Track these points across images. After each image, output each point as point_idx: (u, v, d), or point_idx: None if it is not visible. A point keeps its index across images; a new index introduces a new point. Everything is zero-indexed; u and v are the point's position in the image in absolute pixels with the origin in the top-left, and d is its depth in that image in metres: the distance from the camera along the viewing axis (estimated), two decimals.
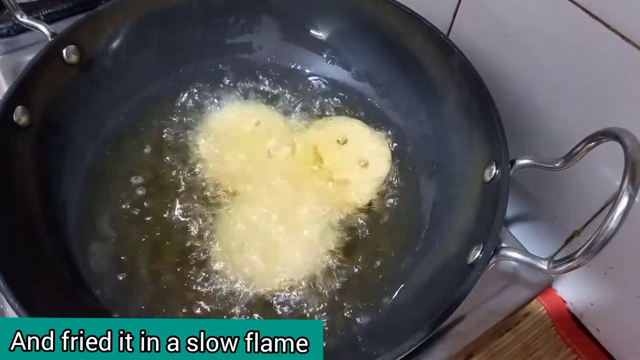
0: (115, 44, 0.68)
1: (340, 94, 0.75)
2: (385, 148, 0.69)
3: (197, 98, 0.73)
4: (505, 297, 0.62)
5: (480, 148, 0.59)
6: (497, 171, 0.55)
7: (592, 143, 0.47)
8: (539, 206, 0.70)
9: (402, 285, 0.60)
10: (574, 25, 0.54)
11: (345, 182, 0.66)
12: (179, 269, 0.60)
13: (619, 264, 0.61)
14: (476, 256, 0.50)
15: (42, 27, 0.63)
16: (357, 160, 0.68)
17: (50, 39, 0.62)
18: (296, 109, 0.73)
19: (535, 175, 0.63)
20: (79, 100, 0.66)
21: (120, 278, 0.59)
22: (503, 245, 0.49)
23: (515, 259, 0.48)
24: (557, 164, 0.52)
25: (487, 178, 0.56)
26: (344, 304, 0.58)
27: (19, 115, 0.58)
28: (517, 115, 0.66)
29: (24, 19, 0.63)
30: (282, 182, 0.66)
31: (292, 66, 0.77)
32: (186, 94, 0.73)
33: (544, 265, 0.46)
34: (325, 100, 0.74)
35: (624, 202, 0.40)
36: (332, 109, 0.73)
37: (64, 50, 0.63)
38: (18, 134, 0.58)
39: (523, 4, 0.60)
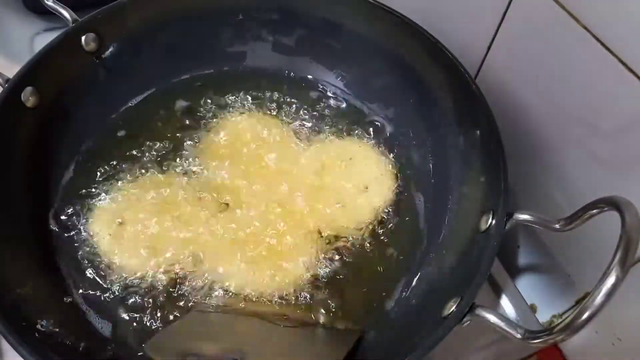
0: (134, 37, 0.69)
1: (350, 114, 0.73)
2: (388, 177, 0.67)
3: (207, 101, 0.72)
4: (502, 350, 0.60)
5: (480, 194, 0.56)
6: (493, 221, 0.52)
7: (594, 210, 0.44)
8: (553, 260, 0.67)
9: (376, 328, 0.57)
10: (612, 81, 0.51)
11: (342, 204, 0.64)
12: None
13: (629, 336, 0.58)
14: (451, 310, 0.48)
15: (65, 12, 0.64)
16: (357, 183, 0.66)
17: (71, 25, 0.63)
18: (304, 122, 0.72)
19: None
20: (91, 88, 0.67)
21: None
22: (479, 304, 0.46)
23: (489, 322, 0.45)
24: (556, 225, 0.49)
25: (483, 227, 0.54)
26: None
27: (28, 96, 0.59)
28: (529, 165, 0.63)
29: (49, 2, 0.65)
30: (278, 195, 0.65)
31: (304, 79, 0.76)
32: (197, 97, 0.73)
33: (517, 335, 0.43)
34: (334, 117, 0.72)
35: (610, 280, 0.38)
36: (340, 127, 0.71)
37: (83, 37, 0.64)
38: (23, 114, 0.59)
39: (561, 46, 0.56)
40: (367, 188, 0.65)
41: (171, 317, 0.56)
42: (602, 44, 0.50)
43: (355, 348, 0.54)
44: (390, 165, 0.68)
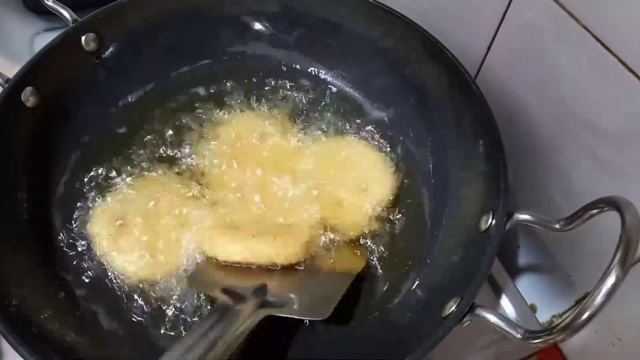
0: (134, 37, 0.69)
1: (350, 114, 0.73)
2: (388, 177, 0.67)
3: (208, 101, 0.72)
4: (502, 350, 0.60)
5: (480, 194, 0.56)
6: (493, 221, 0.52)
7: (594, 210, 0.44)
8: (553, 260, 0.67)
9: (376, 328, 0.57)
10: (612, 81, 0.51)
11: (339, 205, 0.64)
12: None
13: (629, 336, 0.58)
14: (451, 310, 0.48)
15: (65, 12, 0.64)
16: (356, 183, 0.65)
17: (71, 25, 0.64)
18: (304, 122, 0.71)
19: None
20: (91, 88, 0.67)
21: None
22: (479, 304, 0.46)
23: (489, 322, 0.45)
24: (556, 225, 0.49)
25: (483, 227, 0.53)
26: None
27: (28, 96, 0.59)
28: (529, 165, 0.63)
29: (49, 2, 0.65)
30: (277, 194, 0.65)
31: (304, 78, 0.75)
32: (197, 96, 0.73)
33: (517, 335, 0.43)
34: (334, 117, 0.72)
35: (610, 280, 0.38)
36: (339, 127, 0.71)
37: (83, 37, 0.64)
38: (23, 114, 0.59)
39: (561, 46, 0.56)
40: (366, 188, 0.65)
41: (170, 314, 0.57)
42: (602, 44, 0.50)
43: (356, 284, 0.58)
44: (390, 166, 0.68)
